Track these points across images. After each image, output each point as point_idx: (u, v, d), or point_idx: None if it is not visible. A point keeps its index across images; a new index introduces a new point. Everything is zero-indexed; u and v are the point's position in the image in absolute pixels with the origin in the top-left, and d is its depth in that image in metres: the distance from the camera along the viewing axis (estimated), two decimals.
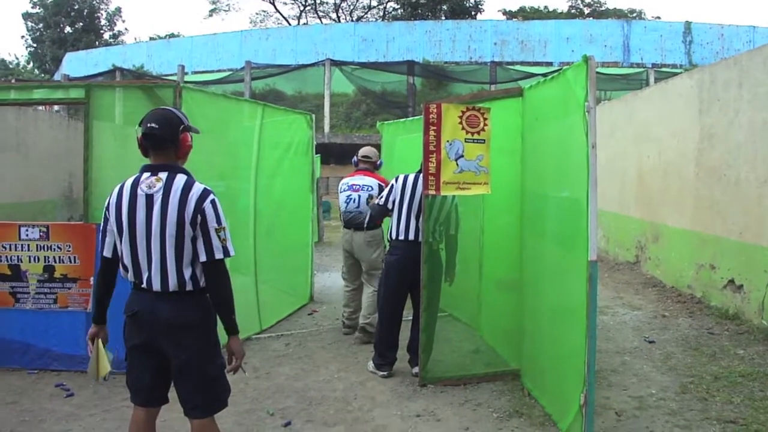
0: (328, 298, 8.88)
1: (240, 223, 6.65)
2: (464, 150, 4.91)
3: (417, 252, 5.16)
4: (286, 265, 7.99)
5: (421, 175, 5.27)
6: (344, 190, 6.85)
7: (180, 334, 2.96)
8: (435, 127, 4.90)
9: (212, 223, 2.98)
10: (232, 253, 3.03)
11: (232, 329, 3.09)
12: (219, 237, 2.99)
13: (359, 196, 6.75)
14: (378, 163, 7.04)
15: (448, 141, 4.89)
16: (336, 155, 24.66)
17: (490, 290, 5.93)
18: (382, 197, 5.72)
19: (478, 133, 4.95)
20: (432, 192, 4.95)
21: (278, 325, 7.40)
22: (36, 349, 5.53)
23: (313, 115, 8.75)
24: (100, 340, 3.20)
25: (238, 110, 6.99)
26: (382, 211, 5.68)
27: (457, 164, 4.92)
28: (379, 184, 6.74)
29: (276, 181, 7.53)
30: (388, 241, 5.66)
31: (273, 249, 7.39)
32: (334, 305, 8.39)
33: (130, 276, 3.04)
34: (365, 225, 6.52)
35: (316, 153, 9.00)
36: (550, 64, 27.55)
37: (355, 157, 7.06)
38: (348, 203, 6.77)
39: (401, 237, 5.44)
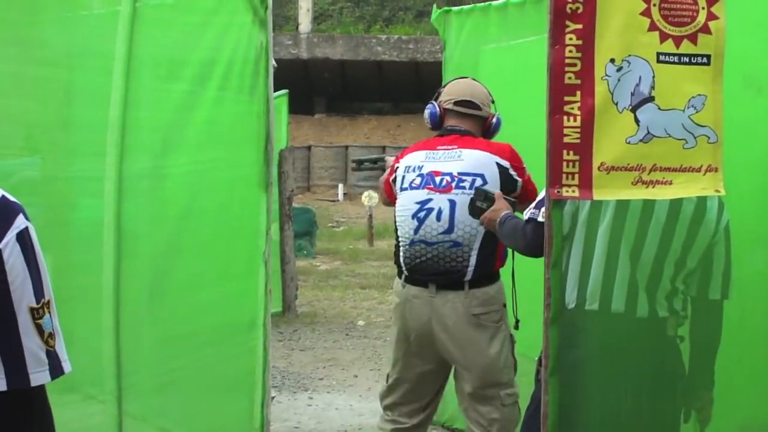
0: None
1: (77, 270, 4.65)
2: (656, 83, 3.39)
3: (639, 345, 3.69)
4: (198, 378, 5.60)
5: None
6: (411, 186, 4.38)
7: None
8: (581, 24, 3.39)
9: (23, 295, 1.89)
10: (67, 368, 2.01)
11: None
12: (38, 331, 1.93)
13: (452, 202, 4.27)
14: (494, 120, 4.59)
15: (613, 60, 3.45)
16: (330, 90, 19.06)
17: None
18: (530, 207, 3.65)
19: (693, 39, 3.40)
20: (570, 193, 3.34)
21: None
22: None
23: None
24: None
25: None
26: (538, 235, 3.63)
27: (638, 121, 3.35)
28: (500, 166, 4.29)
29: (174, 161, 5.30)
30: (554, 313, 3.62)
31: (163, 337, 5.22)
32: None
33: None
34: (468, 277, 4.20)
35: (280, 88, 6.78)
36: None
37: (432, 104, 4.54)
38: (421, 220, 4.31)
39: (595, 305, 3.58)
